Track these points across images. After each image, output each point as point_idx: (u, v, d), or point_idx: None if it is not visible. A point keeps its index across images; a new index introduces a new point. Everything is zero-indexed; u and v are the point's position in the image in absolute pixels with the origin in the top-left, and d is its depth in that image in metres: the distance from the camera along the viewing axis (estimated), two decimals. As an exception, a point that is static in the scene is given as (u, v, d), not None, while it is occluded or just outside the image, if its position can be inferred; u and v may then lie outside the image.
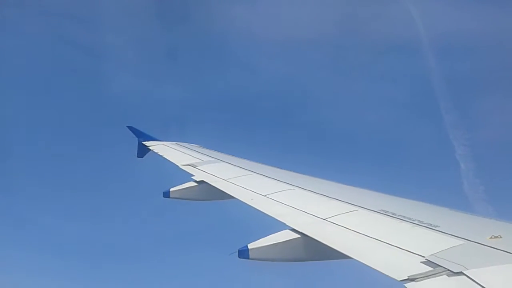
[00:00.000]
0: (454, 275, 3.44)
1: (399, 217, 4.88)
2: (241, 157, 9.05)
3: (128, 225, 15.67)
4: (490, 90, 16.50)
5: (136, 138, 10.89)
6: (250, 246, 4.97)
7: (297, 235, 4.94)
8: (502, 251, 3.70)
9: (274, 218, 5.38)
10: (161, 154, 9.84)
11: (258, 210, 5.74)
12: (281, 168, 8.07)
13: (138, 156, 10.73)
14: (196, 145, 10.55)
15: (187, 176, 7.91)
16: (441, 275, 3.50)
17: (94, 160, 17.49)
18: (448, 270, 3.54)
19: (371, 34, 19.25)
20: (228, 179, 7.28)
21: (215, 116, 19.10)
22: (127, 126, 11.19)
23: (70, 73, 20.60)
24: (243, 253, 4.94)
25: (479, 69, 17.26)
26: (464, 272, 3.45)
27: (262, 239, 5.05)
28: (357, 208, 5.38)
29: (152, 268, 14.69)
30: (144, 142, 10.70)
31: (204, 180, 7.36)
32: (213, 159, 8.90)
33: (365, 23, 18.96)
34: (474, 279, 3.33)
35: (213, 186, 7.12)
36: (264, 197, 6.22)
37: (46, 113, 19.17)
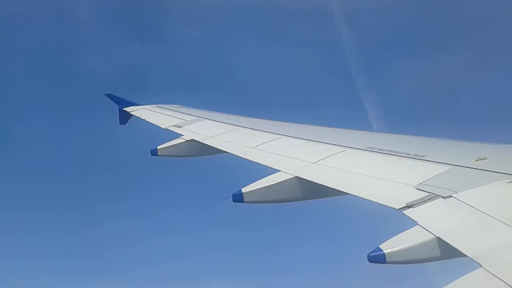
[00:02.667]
0: (446, 199, 3.65)
1: (386, 152, 5.05)
2: (220, 112, 9.12)
3: (122, 187, 15.75)
4: (399, 54, 17.14)
5: (116, 106, 10.77)
6: (244, 190, 5.04)
7: (290, 176, 5.05)
8: (488, 171, 3.91)
9: (267, 167, 5.51)
10: (143, 118, 9.79)
11: (251, 161, 5.87)
12: (261, 119, 8.18)
13: (120, 123, 10.64)
14: (177, 105, 10.51)
15: (173, 137, 7.94)
16: (434, 200, 3.70)
17: (76, 130, 17.30)
18: (438, 195, 3.74)
19: None
20: (215, 135, 7.36)
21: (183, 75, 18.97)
22: (105, 94, 11.04)
23: (39, 45, 19.94)
24: (238, 197, 5.01)
25: (388, 34, 17.80)
26: (453, 195, 3.65)
27: (255, 182, 5.14)
28: (344, 148, 5.53)
29: (152, 220, 14.94)
30: (124, 108, 10.60)
31: (193, 138, 7.42)
32: (196, 117, 8.91)
33: None
34: (464, 201, 3.54)
35: (201, 143, 7.19)
36: (254, 148, 6.33)
37: (25, 90, 18.69)
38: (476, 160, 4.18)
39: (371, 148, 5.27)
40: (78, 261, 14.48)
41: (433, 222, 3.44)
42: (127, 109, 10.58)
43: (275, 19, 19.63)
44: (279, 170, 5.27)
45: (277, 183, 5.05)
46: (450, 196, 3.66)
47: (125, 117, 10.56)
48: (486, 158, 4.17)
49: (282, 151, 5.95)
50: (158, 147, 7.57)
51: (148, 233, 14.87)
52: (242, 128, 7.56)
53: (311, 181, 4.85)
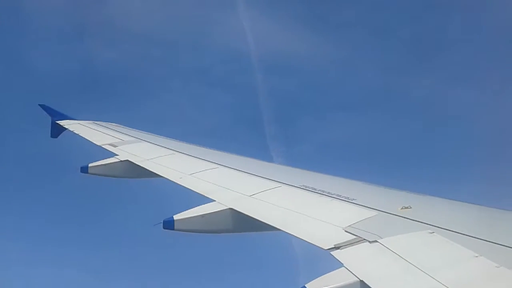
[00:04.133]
0: (371, 243, 3.80)
1: (319, 192, 5.21)
2: (160, 135, 9.02)
3: (44, 204, 14.93)
4: (307, 110, 18.56)
5: (50, 117, 10.35)
6: (176, 217, 4.96)
7: (224, 207, 5.05)
8: (412, 220, 4.13)
9: (201, 196, 5.49)
10: (77, 133, 9.46)
11: (186, 188, 5.82)
12: (202, 146, 8.18)
13: (52, 136, 10.21)
14: (115, 124, 10.27)
15: (107, 156, 7.72)
16: (360, 243, 3.84)
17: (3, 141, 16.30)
18: (365, 239, 3.89)
19: (202, 38, 20.19)
20: (152, 158, 7.24)
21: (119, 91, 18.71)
22: (39, 105, 10.59)
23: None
24: (168, 224, 4.92)
25: (300, 90, 19.30)
26: (379, 240, 3.81)
27: (188, 210, 5.08)
28: (280, 184, 5.64)
29: (74, 240, 14.22)
30: (58, 121, 10.20)
31: (128, 159, 7.25)
32: (134, 138, 8.75)
33: (197, 26, 19.80)
34: (388, 247, 3.70)
35: (136, 165, 7.05)
36: (190, 175, 6.29)
37: None
38: (402, 208, 4.40)
39: (306, 186, 5.40)
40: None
41: (358, 265, 3.55)
42: (61, 122, 10.18)
43: (190, 56, 20.15)
44: (214, 200, 5.26)
45: (210, 213, 5.03)
46: (376, 241, 3.81)
47: (57, 131, 10.14)
48: (411, 207, 4.41)
49: (219, 181, 5.96)
50: (90, 165, 7.29)
51: (68, 252, 14.15)
52: (180, 153, 7.50)
53: (245, 214, 4.88)
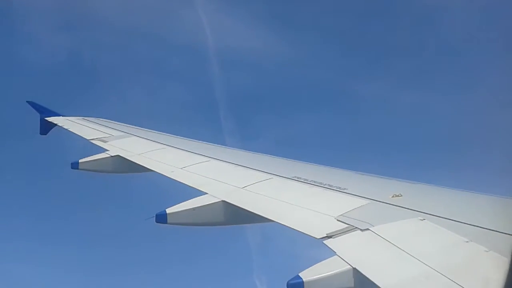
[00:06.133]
0: (363, 231, 3.85)
1: (311, 182, 5.24)
2: (150, 129, 9.00)
3: (36, 201, 14.87)
4: (264, 107, 18.58)
5: (38, 114, 10.26)
6: (168, 210, 4.96)
7: (217, 199, 5.07)
8: (403, 208, 4.18)
9: (194, 189, 5.49)
10: (66, 128, 9.40)
11: (178, 182, 5.82)
12: (193, 140, 8.17)
13: (41, 133, 10.13)
14: (104, 119, 10.20)
15: (97, 152, 7.69)
16: (352, 231, 3.88)
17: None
18: (356, 227, 3.93)
19: (159, 30, 20.07)
20: (142, 153, 7.22)
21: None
22: (27, 101, 10.50)
23: None
24: (161, 217, 4.91)
25: (258, 86, 19.21)
26: (370, 228, 3.86)
27: (180, 203, 5.08)
28: (271, 176, 5.66)
29: (67, 237, 14.21)
30: (47, 118, 10.12)
31: (119, 154, 7.23)
32: (124, 133, 8.70)
33: (154, 18, 19.71)
34: (379, 234, 3.75)
35: (127, 159, 7.02)
36: (182, 169, 6.29)
37: None
38: (393, 197, 4.44)
39: (297, 177, 5.43)
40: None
41: (350, 253, 3.60)
42: (50, 119, 10.10)
43: (146, 49, 19.89)
44: (206, 193, 5.27)
45: (203, 205, 5.04)
46: (367, 229, 3.85)
47: (46, 127, 10.07)
48: (401, 195, 4.45)
49: (211, 174, 5.97)
50: (80, 161, 7.27)
51: (62, 248, 14.14)
52: (171, 147, 7.49)
53: (238, 206, 4.90)
